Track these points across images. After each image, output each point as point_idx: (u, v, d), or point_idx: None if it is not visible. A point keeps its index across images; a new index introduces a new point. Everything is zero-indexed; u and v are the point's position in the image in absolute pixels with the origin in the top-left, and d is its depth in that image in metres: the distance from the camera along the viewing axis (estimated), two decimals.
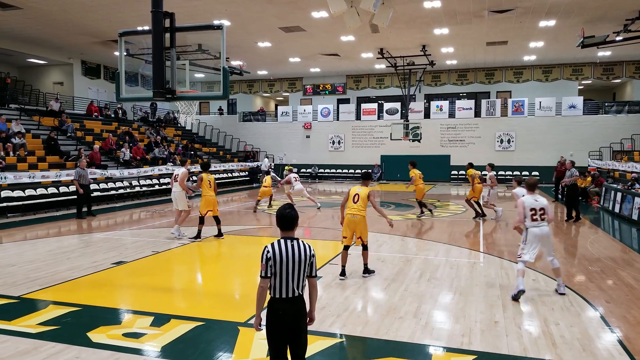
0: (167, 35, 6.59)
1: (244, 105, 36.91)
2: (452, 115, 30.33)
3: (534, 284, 7.18)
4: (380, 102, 32.59)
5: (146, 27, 7.11)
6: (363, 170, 9.52)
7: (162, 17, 6.48)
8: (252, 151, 33.42)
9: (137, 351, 4.78)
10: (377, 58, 26.29)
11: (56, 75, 28.11)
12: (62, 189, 16.29)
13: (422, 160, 29.73)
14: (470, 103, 30.21)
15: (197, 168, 24.11)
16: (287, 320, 3.45)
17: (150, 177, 21.07)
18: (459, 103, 30.55)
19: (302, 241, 3.56)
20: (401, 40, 22.81)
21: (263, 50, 25.19)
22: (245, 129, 34.83)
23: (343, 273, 7.52)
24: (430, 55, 25.22)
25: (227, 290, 7.30)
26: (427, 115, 30.53)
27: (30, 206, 15.08)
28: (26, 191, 15.09)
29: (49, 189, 15.85)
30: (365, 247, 7.73)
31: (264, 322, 3.56)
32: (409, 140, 27.01)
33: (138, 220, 14.02)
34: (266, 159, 30.80)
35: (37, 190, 15.47)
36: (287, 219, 3.58)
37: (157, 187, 20.96)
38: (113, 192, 18.61)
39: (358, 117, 32.17)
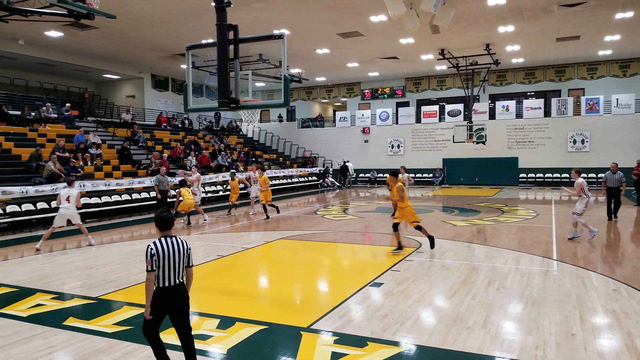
0: (231, 47, 6.77)
1: (302, 111, 37.36)
2: (519, 115, 29.11)
3: (615, 295, 6.70)
4: (441, 104, 31.87)
5: (210, 40, 7.35)
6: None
7: (226, 29, 6.67)
8: (311, 157, 33.72)
9: (204, 353, 4.90)
10: (438, 59, 25.74)
11: (128, 89, 29.81)
12: (135, 196, 17.18)
13: (487, 163, 29.04)
14: (540, 102, 28.87)
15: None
16: (173, 304, 4.15)
17: (214, 184, 21.76)
18: (526, 102, 29.28)
19: (179, 237, 4.23)
20: (463, 40, 22.23)
21: (321, 56, 25.41)
22: (304, 135, 35.22)
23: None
24: (494, 54, 24.39)
25: (289, 295, 7.35)
26: (492, 116, 29.49)
27: (106, 212, 16.02)
28: (102, 198, 16.05)
29: (122, 196, 16.76)
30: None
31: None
32: (473, 142, 26.23)
33: (203, 225, 14.49)
34: (350, 164, 31.06)
35: (112, 197, 16.40)
36: (164, 220, 4.22)
37: (221, 193, 21.59)
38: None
39: (418, 120, 31.60)
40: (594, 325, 5.54)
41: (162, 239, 4.15)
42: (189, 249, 4.25)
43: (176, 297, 4.14)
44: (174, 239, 4.19)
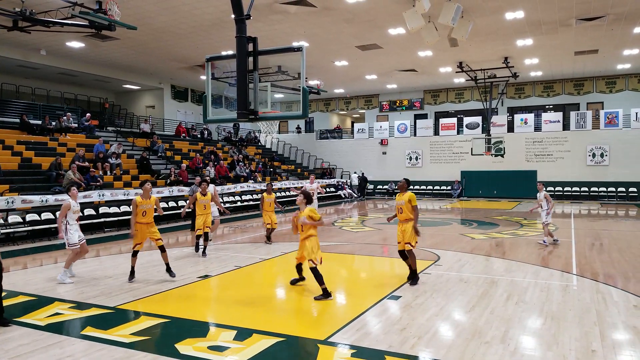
0: (250, 58, 6.86)
1: (321, 123, 37.52)
2: (538, 128, 28.89)
3: (636, 311, 6.55)
4: (459, 116, 31.75)
5: (230, 52, 7.44)
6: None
7: (246, 42, 6.77)
8: (329, 168, 33.77)
9: None
10: (456, 72, 25.71)
11: (148, 99, 30.29)
12: None
13: (506, 175, 28.75)
14: (558, 115, 28.63)
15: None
16: None
17: (232, 194, 21.89)
18: (545, 116, 29.05)
19: None
20: (482, 53, 22.17)
21: (340, 69, 25.54)
22: (322, 147, 35.32)
23: None
24: (512, 67, 24.28)
25: (306, 307, 7.33)
26: (510, 129, 29.30)
27: (125, 221, 16.12)
28: (121, 207, 16.23)
29: None
30: None
31: None
32: (492, 155, 26.08)
33: (221, 236, 14.56)
34: (355, 174, 31.22)
35: (131, 206, 16.54)
36: None
37: (239, 203, 21.72)
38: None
39: (436, 133, 31.52)
40: (614, 342, 5.43)
41: None
42: None
43: None
44: None
